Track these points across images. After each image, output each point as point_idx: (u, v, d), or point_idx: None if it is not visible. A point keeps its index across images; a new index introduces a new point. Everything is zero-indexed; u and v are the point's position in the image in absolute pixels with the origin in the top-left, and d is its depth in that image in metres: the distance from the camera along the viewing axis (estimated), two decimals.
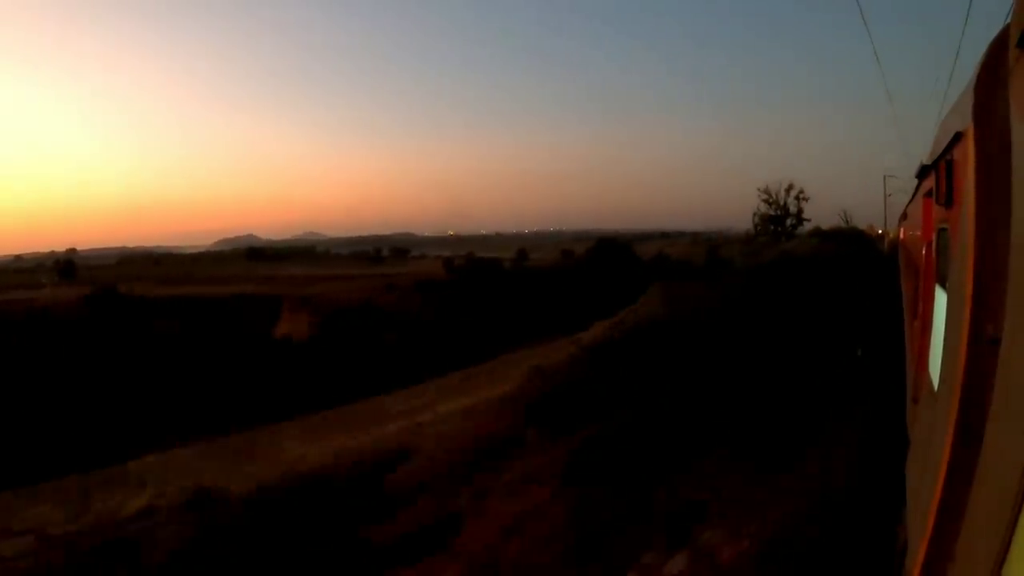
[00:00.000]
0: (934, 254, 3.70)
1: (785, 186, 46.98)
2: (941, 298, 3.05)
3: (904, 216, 10.69)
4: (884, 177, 55.44)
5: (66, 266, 72.41)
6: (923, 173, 4.60)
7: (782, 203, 46.17)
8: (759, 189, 47.66)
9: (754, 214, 48.15)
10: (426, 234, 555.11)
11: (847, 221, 45.13)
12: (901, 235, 12.05)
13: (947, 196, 2.74)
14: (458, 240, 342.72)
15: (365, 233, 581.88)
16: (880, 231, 44.26)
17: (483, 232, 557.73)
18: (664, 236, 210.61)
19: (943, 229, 3.07)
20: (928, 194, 4.17)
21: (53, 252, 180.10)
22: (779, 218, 46.30)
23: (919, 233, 5.24)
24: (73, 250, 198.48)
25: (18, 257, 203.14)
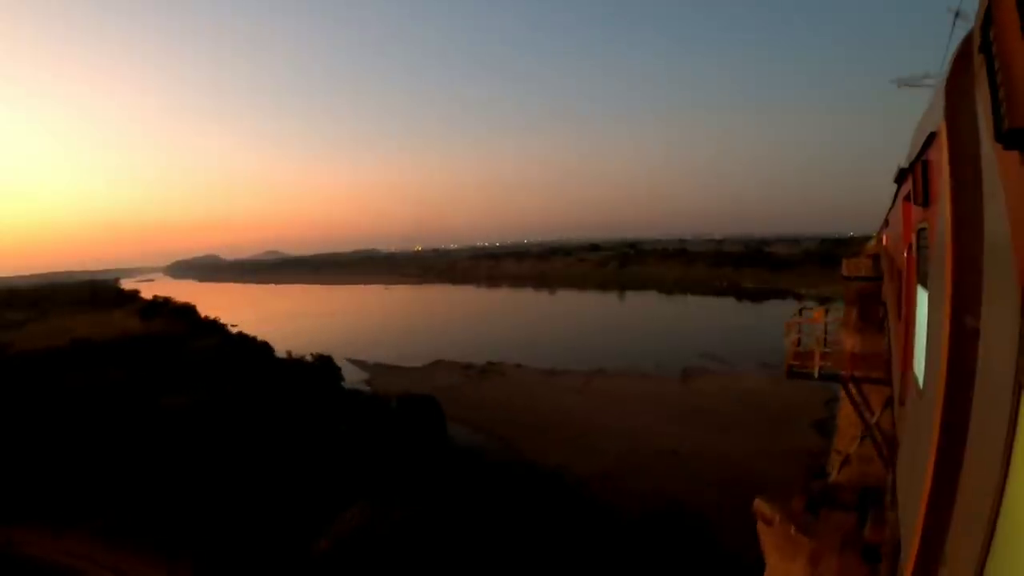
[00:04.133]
0: (915, 254, 3.86)
1: None
2: (922, 297, 3.17)
3: (885, 223, 10.80)
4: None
5: None
6: (901, 177, 4.75)
7: None
8: None
9: None
10: (391, 250, 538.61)
11: None
12: (884, 241, 11.76)
13: (924, 196, 2.85)
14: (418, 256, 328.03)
15: (327, 251, 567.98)
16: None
17: (453, 246, 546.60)
18: (632, 246, 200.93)
19: (922, 229, 3.17)
20: (907, 197, 4.29)
21: None
22: None
23: (900, 237, 5.57)
24: None
25: None
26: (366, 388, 57.79)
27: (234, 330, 74.19)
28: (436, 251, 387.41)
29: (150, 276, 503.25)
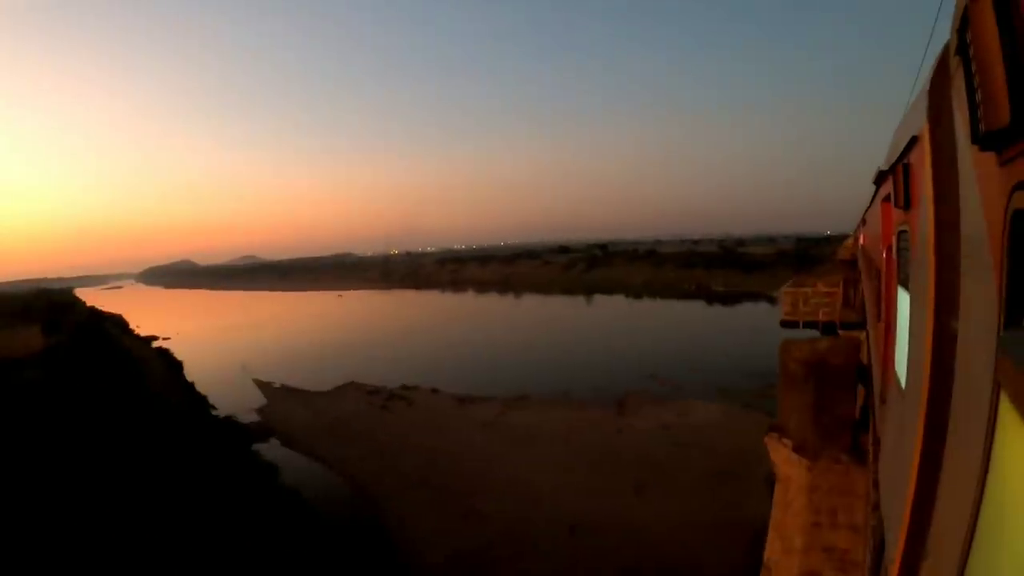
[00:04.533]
0: (895, 256, 3.91)
1: None
2: (904, 298, 3.14)
3: (863, 222, 10.43)
4: None
5: None
6: (880, 178, 4.72)
7: None
8: None
9: None
10: (369, 254, 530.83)
11: None
12: (860, 240, 11.48)
13: (905, 199, 2.85)
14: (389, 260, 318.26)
15: (304, 255, 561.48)
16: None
17: (430, 249, 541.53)
18: (602, 248, 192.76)
19: (903, 231, 3.17)
20: (887, 199, 4.31)
21: None
22: None
23: (879, 237, 5.52)
24: None
25: None
26: (255, 418, 49.03)
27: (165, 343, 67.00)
28: (409, 254, 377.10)
29: (119, 283, 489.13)
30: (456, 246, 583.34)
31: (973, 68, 1.34)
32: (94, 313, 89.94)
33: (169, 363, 72.17)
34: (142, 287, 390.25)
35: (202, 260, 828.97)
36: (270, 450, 39.99)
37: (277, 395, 55.34)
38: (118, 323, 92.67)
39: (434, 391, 47.73)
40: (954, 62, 1.67)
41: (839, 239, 79.85)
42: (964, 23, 1.39)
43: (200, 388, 59.98)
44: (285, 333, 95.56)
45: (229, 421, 48.37)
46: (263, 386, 59.24)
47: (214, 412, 51.57)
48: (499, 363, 57.78)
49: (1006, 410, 1.17)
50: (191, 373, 68.59)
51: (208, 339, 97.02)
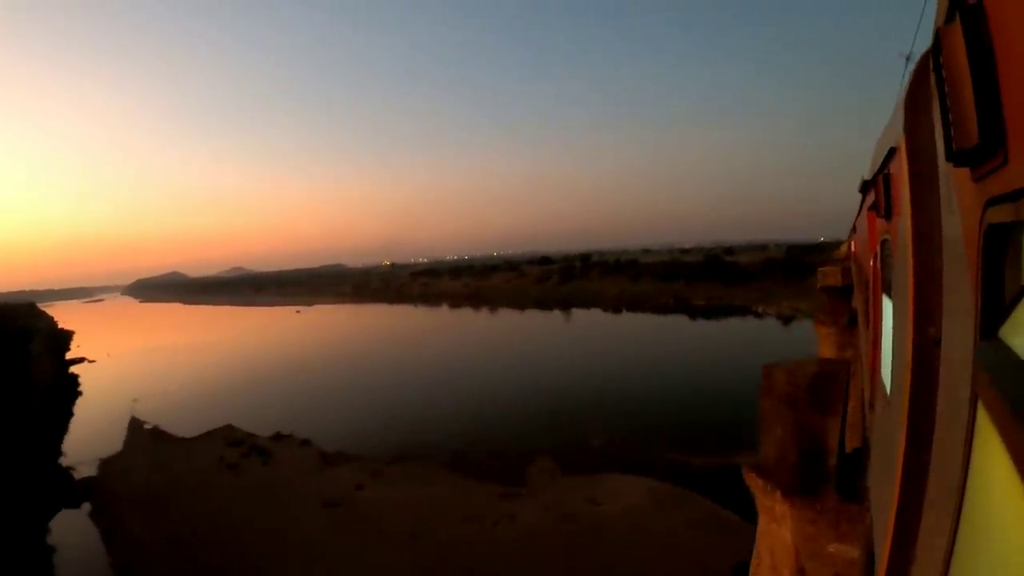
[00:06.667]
0: (879, 264, 3.94)
1: None
2: (887, 306, 3.14)
3: (853, 230, 10.84)
4: None
5: None
6: (865, 188, 4.79)
7: None
8: None
9: None
10: (359, 266, 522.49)
11: None
12: (852, 247, 11.88)
13: (887, 209, 2.90)
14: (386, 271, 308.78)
15: (294, 267, 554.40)
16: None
17: (423, 260, 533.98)
18: (584, 258, 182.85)
19: (885, 240, 3.21)
20: (872, 208, 4.29)
21: None
22: None
23: (867, 245, 5.58)
24: None
25: None
26: (93, 472, 39.07)
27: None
28: (394, 266, 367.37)
29: (103, 296, 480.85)
30: (448, 257, 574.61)
31: (945, 88, 1.38)
32: (21, 331, 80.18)
33: (68, 393, 63.34)
34: (124, 300, 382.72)
35: (192, 272, 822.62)
36: (71, 522, 30.30)
37: (139, 440, 45.36)
38: (61, 340, 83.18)
39: (304, 443, 37.72)
40: (931, 78, 1.71)
41: (832, 246, 69.79)
42: (938, 45, 1.43)
43: (79, 423, 51.65)
44: (209, 357, 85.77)
45: (64, 474, 39.33)
46: (134, 427, 49.49)
47: (61, 459, 42.74)
48: (401, 404, 47.47)
49: (983, 419, 1.17)
50: (87, 404, 59.90)
51: (133, 362, 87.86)
